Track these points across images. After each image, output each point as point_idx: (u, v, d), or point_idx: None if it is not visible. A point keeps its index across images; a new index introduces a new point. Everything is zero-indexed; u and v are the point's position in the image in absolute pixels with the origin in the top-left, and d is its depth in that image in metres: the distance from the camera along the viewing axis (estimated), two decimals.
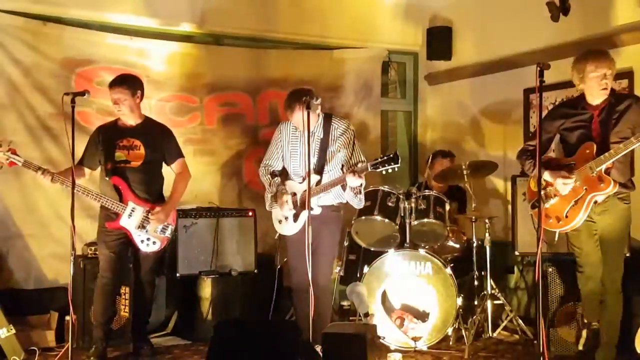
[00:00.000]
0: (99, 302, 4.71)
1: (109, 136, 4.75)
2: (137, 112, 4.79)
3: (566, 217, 4.11)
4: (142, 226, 4.67)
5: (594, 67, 4.02)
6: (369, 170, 4.23)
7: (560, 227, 4.16)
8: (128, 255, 4.82)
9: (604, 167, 3.96)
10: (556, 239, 4.24)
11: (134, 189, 4.68)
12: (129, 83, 4.72)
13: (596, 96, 4.10)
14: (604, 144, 4.02)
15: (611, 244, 4.16)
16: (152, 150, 4.77)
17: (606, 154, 3.96)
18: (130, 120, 4.77)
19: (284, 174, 4.76)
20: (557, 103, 5.36)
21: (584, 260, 4.25)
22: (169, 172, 4.95)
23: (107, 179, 4.67)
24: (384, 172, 4.22)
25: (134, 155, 4.71)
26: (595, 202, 4.06)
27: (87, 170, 4.82)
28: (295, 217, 4.59)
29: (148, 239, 4.70)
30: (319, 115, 4.55)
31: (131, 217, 4.65)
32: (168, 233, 4.78)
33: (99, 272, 4.75)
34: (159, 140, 4.84)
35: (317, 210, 4.43)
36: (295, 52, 6.56)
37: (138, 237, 4.67)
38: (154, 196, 4.77)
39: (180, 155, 4.93)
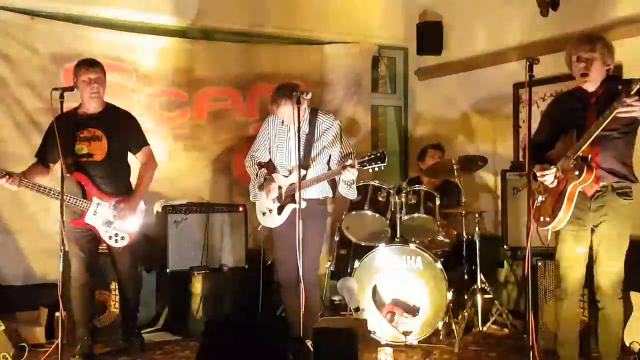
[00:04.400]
0: (77, 302, 4.61)
1: (68, 127, 4.48)
2: (103, 98, 4.64)
3: (553, 212, 3.85)
4: (108, 222, 4.54)
5: (575, 50, 3.80)
6: (356, 167, 4.25)
7: (549, 224, 3.88)
8: (99, 251, 4.73)
9: (580, 152, 3.66)
10: (549, 238, 3.99)
11: (98, 184, 4.52)
12: (102, 66, 4.61)
13: (580, 82, 3.83)
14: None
15: (609, 244, 3.81)
16: (115, 140, 4.57)
17: (583, 135, 3.64)
18: (94, 106, 4.58)
19: (269, 167, 4.77)
20: (552, 96, 5.31)
21: (562, 272, 3.97)
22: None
23: (69, 175, 4.41)
24: (370, 171, 4.25)
25: (95, 146, 4.53)
26: (582, 194, 3.77)
27: (48, 166, 4.61)
28: (280, 210, 4.60)
29: (116, 235, 4.57)
30: (305, 110, 4.55)
31: (97, 213, 4.50)
32: (136, 227, 4.65)
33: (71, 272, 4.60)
34: (121, 128, 4.66)
35: (302, 204, 4.43)
36: (286, 47, 6.55)
37: (105, 233, 4.55)
38: (120, 189, 4.61)
39: (145, 143, 4.76)
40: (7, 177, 4.31)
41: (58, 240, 4.13)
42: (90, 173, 4.52)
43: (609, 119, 3.52)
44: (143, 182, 4.70)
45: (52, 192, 4.36)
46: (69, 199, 4.41)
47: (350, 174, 4.28)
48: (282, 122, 4.62)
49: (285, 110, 4.41)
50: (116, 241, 4.59)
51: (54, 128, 4.33)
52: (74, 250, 4.54)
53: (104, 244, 4.68)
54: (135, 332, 4.94)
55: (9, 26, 5.37)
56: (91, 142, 4.54)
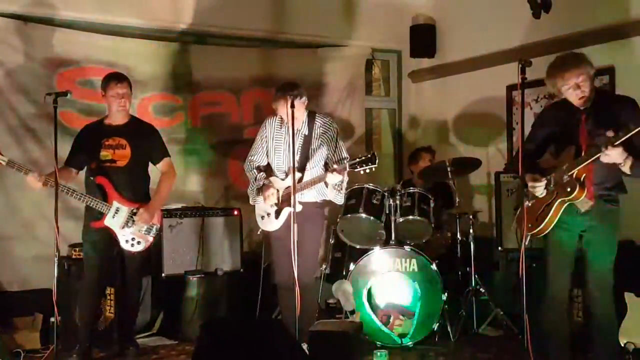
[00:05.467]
0: (83, 303, 4.68)
1: (95, 135, 4.72)
2: (128, 111, 4.81)
3: (536, 220, 3.88)
4: (126, 226, 4.65)
5: (562, 81, 3.72)
6: (347, 170, 4.26)
7: (531, 231, 3.90)
8: (113, 255, 4.79)
9: (575, 171, 3.68)
10: (526, 242, 3.89)
11: (118, 189, 4.65)
12: (129, 81, 4.77)
13: (579, 104, 3.79)
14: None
15: (597, 250, 3.83)
16: (138, 149, 4.74)
17: (579, 158, 3.68)
18: (120, 118, 4.74)
19: (268, 170, 4.77)
20: (545, 105, 5.32)
21: (549, 277, 3.95)
22: (155, 171, 4.92)
23: (92, 178, 4.65)
24: (362, 172, 4.25)
25: (119, 154, 4.68)
26: (573, 205, 3.78)
27: (74, 171, 4.75)
28: (277, 213, 4.60)
29: (133, 239, 4.68)
30: (304, 113, 4.57)
31: (115, 217, 4.62)
32: (152, 233, 4.76)
33: (83, 272, 4.73)
34: (145, 139, 4.81)
35: (298, 207, 4.45)
36: (279, 50, 6.56)
37: (123, 237, 4.65)
38: (139, 196, 4.74)
39: (166, 154, 4.91)
40: (35, 174, 4.43)
41: (53, 246, 4.13)
42: (112, 178, 4.65)
43: (594, 157, 3.58)
44: (162, 191, 4.85)
45: (75, 193, 4.55)
46: (90, 201, 4.59)
47: (334, 177, 4.29)
48: (280, 125, 4.63)
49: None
50: (132, 245, 4.69)
51: (80, 136, 4.72)
52: (88, 251, 4.69)
53: (117, 248, 4.75)
54: (131, 337, 4.94)
55: (2, 31, 5.36)
56: (115, 150, 4.69)
